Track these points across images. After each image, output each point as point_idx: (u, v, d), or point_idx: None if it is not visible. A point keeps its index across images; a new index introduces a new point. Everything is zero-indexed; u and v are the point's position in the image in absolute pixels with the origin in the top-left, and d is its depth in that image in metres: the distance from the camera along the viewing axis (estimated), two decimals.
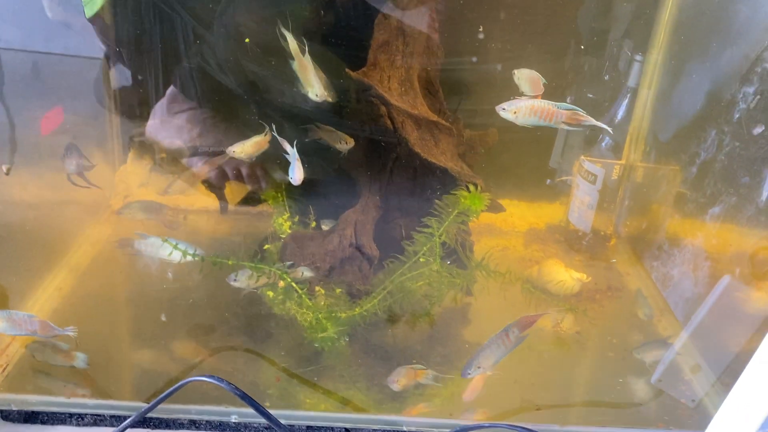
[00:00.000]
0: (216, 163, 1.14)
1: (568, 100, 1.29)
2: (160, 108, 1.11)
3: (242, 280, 0.83)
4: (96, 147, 1.25)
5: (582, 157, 1.25)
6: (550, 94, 1.15)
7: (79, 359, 0.86)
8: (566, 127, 0.80)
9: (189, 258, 0.86)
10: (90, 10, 0.96)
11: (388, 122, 0.86)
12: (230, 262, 0.86)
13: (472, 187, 0.86)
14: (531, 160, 1.29)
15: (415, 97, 0.88)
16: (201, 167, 1.14)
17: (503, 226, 1.27)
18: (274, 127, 0.84)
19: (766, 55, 1.05)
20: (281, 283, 0.83)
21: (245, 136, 1.13)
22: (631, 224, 1.26)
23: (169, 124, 1.12)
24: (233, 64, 1.00)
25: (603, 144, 1.28)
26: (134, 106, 1.18)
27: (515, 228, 1.27)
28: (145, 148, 1.17)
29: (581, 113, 0.78)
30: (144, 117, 1.14)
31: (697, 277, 1.13)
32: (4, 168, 0.92)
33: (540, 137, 1.28)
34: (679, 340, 0.93)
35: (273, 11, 0.97)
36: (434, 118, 0.87)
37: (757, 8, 1.08)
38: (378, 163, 0.90)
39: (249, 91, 1.02)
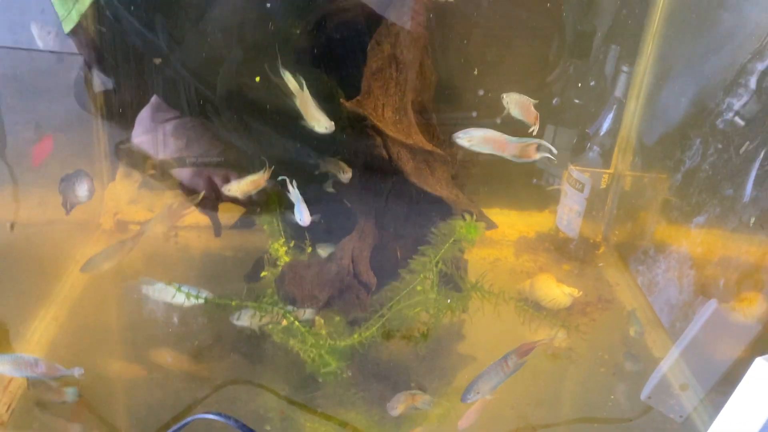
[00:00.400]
0: (205, 174, 1.14)
1: (554, 102, 1.32)
2: (144, 117, 1.09)
3: (245, 319, 0.84)
4: (85, 165, 1.23)
5: (570, 166, 1.27)
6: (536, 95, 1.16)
7: (69, 394, 0.85)
8: (516, 160, 0.80)
9: (194, 301, 0.86)
10: (68, 26, 0.94)
11: (384, 153, 0.86)
12: (233, 303, 0.86)
13: (468, 216, 0.87)
14: (520, 170, 1.30)
15: (409, 126, 0.88)
16: (191, 178, 1.13)
17: (494, 235, 1.28)
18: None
19: (749, 66, 1.07)
20: (284, 322, 0.83)
21: (233, 147, 1.13)
22: (619, 232, 1.29)
23: (154, 134, 1.10)
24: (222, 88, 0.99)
25: (591, 153, 1.29)
26: (120, 119, 1.16)
27: (506, 237, 1.29)
28: (131, 155, 1.15)
29: (534, 142, 0.79)
30: (130, 128, 1.12)
31: (682, 285, 1.16)
32: (9, 224, 0.91)
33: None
34: (667, 359, 0.96)
35: (263, 31, 0.96)
36: (429, 147, 0.88)
37: (742, 18, 1.10)
38: (374, 191, 0.90)
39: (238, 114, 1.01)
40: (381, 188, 0.89)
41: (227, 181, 1.15)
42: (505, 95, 0.84)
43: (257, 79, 0.83)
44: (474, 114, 1.06)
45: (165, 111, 1.09)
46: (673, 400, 0.95)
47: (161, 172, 1.18)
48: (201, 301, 0.86)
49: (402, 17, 0.90)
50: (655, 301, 1.15)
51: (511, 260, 1.23)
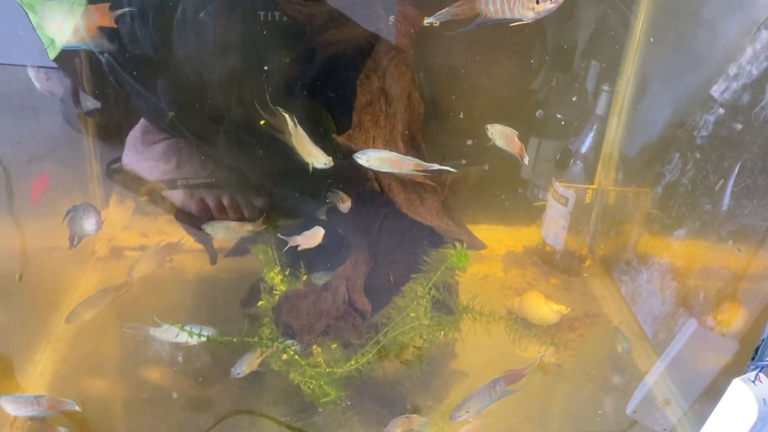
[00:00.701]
0: (197, 196, 1.15)
1: (538, 114, 1.35)
2: (134, 139, 1.11)
3: (245, 368, 0.86)
4: (78, 192, 1.24)
5: (554, 181, 1.30)
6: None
7: None
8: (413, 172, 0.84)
9: (198, 339, 0.88)
10: (52, 53, 0.95)
11: (376, 185, 0.89)
12: (235, 340, 0.89)
13: (458, 245, 0.90)
14: (507, 186, 1.34)
15: None
16: (183, 200, 1.15)
17: (483, 251, 1.31)
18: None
19: (724, 84, 1.11)
20: (284, 356, 0.86)
21: (224, 167, 1.15)
22: (604, 245, 1.32)
23: (145, 156, 1.12)
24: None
25: (575, 168, 1.33)
26: (110, 142, 1.17)
27: (494, 252, 1.33)
28: (123, 175, 1.16)
29: (423, 164, 0.83)
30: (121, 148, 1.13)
31: (665, 297, 1.20)
32: (17, 276, 0.93)
33: (515, 165, 1.33)
34: (651, 375, 1.00)
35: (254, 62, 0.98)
36: (420, 179, 0.90)
37: (716, 36, 1.13)
38: (366, 221, 0.93)
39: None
40: (374, 218, 0.92)
41: (219, 202, 1.17)
42: (489, 126, 0.87)
43: (261, 123, 0.85)
44: (469, 142, 1.09)
45: (154, 133, 1.10)
46: (657, 413, 0.99)
47: (155, 198, 1.19)
48: (204, 339, 0.88)
49: (390, 52, 0.93)
50: (640, 313, 1.19)
51: (500, 275, 1.27)
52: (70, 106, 1.14)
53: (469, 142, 1.12)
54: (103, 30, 0.74)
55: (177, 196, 1.15)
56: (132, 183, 1.15)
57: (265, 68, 0.97)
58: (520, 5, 0.64)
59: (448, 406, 0.99)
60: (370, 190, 0.89)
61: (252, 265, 1.12)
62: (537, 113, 1.36)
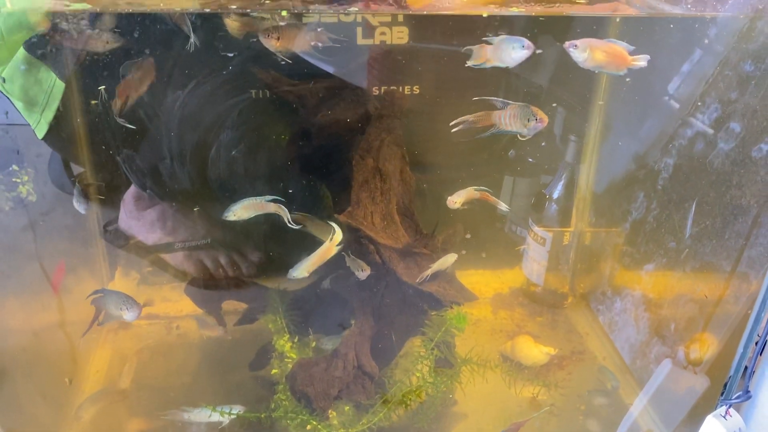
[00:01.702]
0: (195, 257, 1.21)
1: (510, 154, 1.44)
2: (128, 203, 1.16)
3: None
4: (84, 268, 1.29)
5: (532, 223, 1.40)
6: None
7: None
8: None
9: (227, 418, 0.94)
10: (41, 133, 1.01)
11: (377, 258, 0.97)
12: (263, 416, 0.95)
13: (456, 307, 0.99)
14: (492, 236, 1.44)
15: (396, 230, 1.00)
16: (181, 262, 1.20)
17: None
18: None
19: (680, 131, 1.22)
20: (308, 427, 0.93)
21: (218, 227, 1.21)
22: (584, 283, 1.43)
23: (140, 221, 1.16)
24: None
25: (550, 212, 1.43)
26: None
27: (483, 295, 1.42)
28: (119, 237, 1.21)
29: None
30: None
31: (639, 328, 1.31)
32: (67, 380, 0.98)
33: (493, 214, 1.43)
34: (635, 407, 1.09)
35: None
36: (417, 250, 0.99)
37: (671, 86, 1.24)
38: (370, 290, 1.01)
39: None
40: (376, 287, 1.00)
41: (217, 261, 1.23)
42: (450, 198, 0.98)
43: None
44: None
45: (145, 199, 1.15)
46: None
47: (159, 268, 1.25)
48: (234, 416, 0.94)
49: (381, 133, 1.02)
50: (622, 347, 1.30)
51: (490, 318, 1.36)
52: (59, 172, 1.20)
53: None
54: None
55: (174, 259, 1.20)
56: (127, 245, 1.20)
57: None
58: (519, 123, 0.87)
59: None
60: (372, 262, 0.97)
61: (258, 328, 1.19)
62: (509, 153, 1.45)
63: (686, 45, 1.12)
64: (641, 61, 0.85)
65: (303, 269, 0.91)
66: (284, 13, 0.82)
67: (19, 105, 0.96)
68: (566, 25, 1.05)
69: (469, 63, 0.87)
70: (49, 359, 1.17)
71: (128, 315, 0.92)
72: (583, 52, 0.84)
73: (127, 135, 0.98)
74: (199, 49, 0.86)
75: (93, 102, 0.97)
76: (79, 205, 1.04)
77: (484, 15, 0.91)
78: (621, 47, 0.85)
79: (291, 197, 1.00)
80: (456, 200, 0.98)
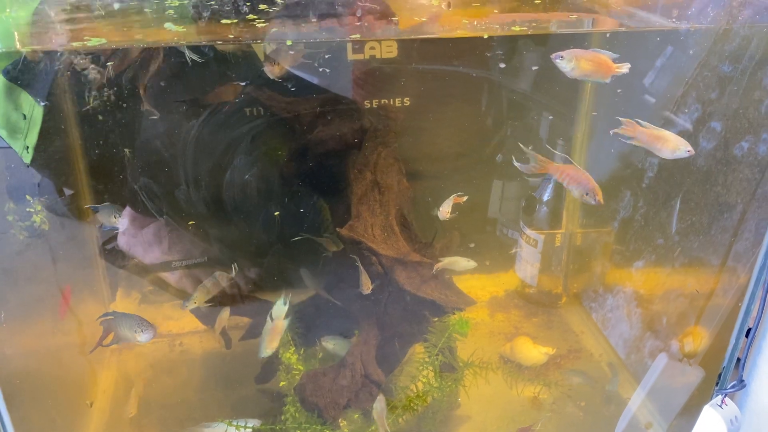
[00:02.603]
0: (193, 275, 1.22)
1: (498, 158, 1.48)
2: (125, 222, 1.17)
3: None
4: (86, 290, 1.30)
5: (524, 226, 1.44)
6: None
7: None
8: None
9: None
10: (27, 159, 1.02)
11: (380, 268, 1.00)
12: (278, 428, 0.97)
13: (457, 313, 1.02)
14: (482, 238, 1.47)
15: (396, 240, 1.02)
16: (179, 281, 1.22)
17: None
18: None
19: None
20: None
21: (215, 245, 1.23)
22: (577, 283, 1.47)
23: (138, 239, 1.18)
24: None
25: (541, 214, 1.47)
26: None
27: (479, 298, 1.45)
28: (117, 256, 1.22)
29: None
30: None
31: (632, 323, 1.35)
32: (89, 403, 0.98)
33: (485, 219, 1.47)
34: (633, 402, 1.13)
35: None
36: (417, 258, 1.02)
37: (653, 87, 1.29)
38: (373, 300, 1.03)
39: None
40: (380, 297, 1.03)
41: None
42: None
43: None
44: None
45: (141, 219, 1.17)
46: None
47: (159, 286, 1.26)
48: (250, 429, 0.96)
49: (377, 147, 1.05)
50: (616, 343, 1.33)
51: (488, 321, 1.39)
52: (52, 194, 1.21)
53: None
54: None
55: (172, 277, 1.21)
56: (124, 262, 1.21)
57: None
58: (576, 190, 0.91)
59: None
60: (374, 273, 1.00)
61: (259, 342, 1.21)
62: (497, 157, 1.49)
63: (665, 47, 1.17)
64: (624, 68, 0.88)
65: (266, 348, 0.97)
66: (289, 42, 0.84)
67: (3, 133, 0.97)
68: (553, 39, 1.08)
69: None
70: (58, 382, 1.18)
71: (143, 337, 0.93)
72: (569, 62, 0.87)
73: (144, 164, 1.00)
74: (213, 79, 0.89)
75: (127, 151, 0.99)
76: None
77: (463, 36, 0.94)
78: (605, 56, 0.88)
79: (297, 216, 1.03)
80: (446, 210, 1.01)
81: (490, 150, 1.45)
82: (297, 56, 0.96)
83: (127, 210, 1.16)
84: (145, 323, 0.94)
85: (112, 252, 1.20)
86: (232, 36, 0.81)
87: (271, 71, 0.85)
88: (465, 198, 1.03)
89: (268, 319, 0.98)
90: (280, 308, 0.99)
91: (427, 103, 1.23)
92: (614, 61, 0.89)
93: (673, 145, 0.88)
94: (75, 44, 0.80)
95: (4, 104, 0.95)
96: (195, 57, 0.87)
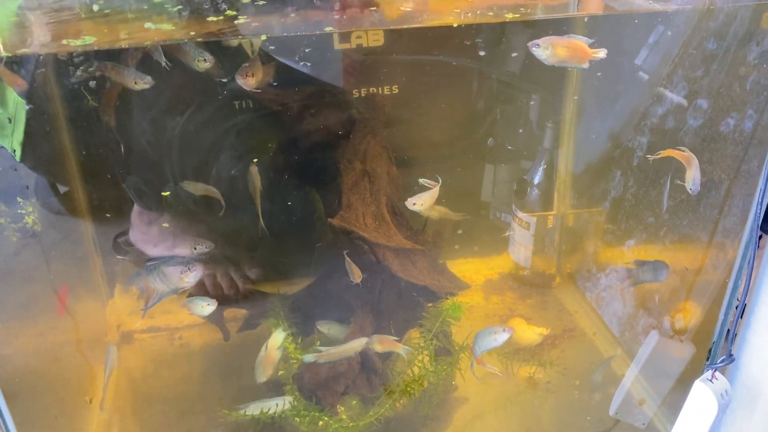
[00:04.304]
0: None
1: (489, 142, 1.48)
2: (134, 217, 1.18)
3: None
4: (83, 288, 1.31)
5: (516, 209, 1.45)
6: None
7: None
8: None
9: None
10: (18, 155, 1.02)
11: (372, 257, 1.01)
12: (276, 415, 0.99)
13: (451, 298, 1.04)
14: (476, 221, 1.48)
15: (388, 228, 1.03)
16: (181, 278, 1.23)
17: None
18: None
19: (651, 110, 1.27)
20: (321, 423, 0.97)
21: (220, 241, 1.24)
22: (570, 263, 1.48)
23: (146, 235, 1.19)
24: None
25: (532, 197, 1.48)
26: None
27: (474, 282, 1.46)
28: (129, 249, 1.22)
29: None
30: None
31: (625, 301, 1.37)
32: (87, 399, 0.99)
33: (478, 203, 1.48)
34: (626, 379, 1.15)
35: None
36: (409, 245, 1.03)
37: (640, 66, 1.29)
38: (367, 288, 1.05)
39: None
40: (373, 285, 1.04)
41: (214, 277, 1.25)
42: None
43: None
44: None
45: (147, 215, 1.18)
46: (636, 410, 1.15)
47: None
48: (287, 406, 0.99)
49: (366, 136, 1.05)
50: (610, 321, 1.35)
51: (483, 304, 1.41)
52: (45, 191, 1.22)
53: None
54: None
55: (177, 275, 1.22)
56: (132, 257, 1.22)
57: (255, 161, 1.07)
58: None
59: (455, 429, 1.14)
60: (367, 261, 1.01)
61: (259, 333, 1.22)
62: (488, 141, 1.50)
63: (650, 26, 1.17)
64: (600, 53, 0.88)
65: (261, 375, 1.01)
66: (263, 37, 0.84)
67: None
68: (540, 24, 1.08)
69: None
70: (58, 379, 1.19)
71: (191, 276, 0.86)
72: (545, 50, 0.87)
73: (132, 161, 1.01)
74: (195, 77, 0.89)
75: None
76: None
77: (454, 25, 0.95)
78: (581, 41, 0.88)
79: (289, 208, 1.04)
80: (415, 202, 0.97)
81: (480, 135, 1.46)
82: (271, 71, 0.95)
83: (135, 207, 1.17)
84: (189, 261, 0.87)
85: (120, 245, 1.21)
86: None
87: (246, 83, 0.86)
88: (438, 184, 0.99)
89: (263, 348, 1.00)
90: (277, 337, 1.01)
91: (415, 90, 1.23)
92: (590, 46, 0.89)
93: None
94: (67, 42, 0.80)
95: None
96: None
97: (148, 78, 0.85)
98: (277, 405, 1.00)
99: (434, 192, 0.99)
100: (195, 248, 1.15)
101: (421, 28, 1.16)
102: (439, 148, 1.38)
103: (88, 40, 0.77)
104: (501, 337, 0.96)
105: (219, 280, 1.21)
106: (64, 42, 0.79)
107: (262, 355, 1.03)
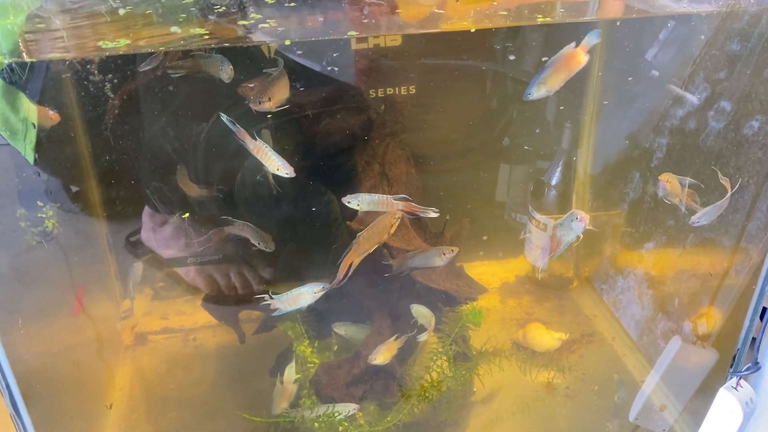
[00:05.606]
0: (207, 272, 1.23)
1: (504, 142, 1.47)
2: (146, 218, 1.17)
3: None
4: (97, 289, 1.31)
5: (533, 211, 1.44)
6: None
7: None
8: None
9: None
10: (30, 158, 1.02)
11: (390, 260, 1.00)
12: (296, 419, 0.98)
13: (471, 303, 1.02)
14: (492, 223, 1.47)
15: (407, 231, 1.02)
16: (193, 278, 1.22)
17: None
18: None
19: (671, 111, 1.25)
20: (340, 429, 0.97)
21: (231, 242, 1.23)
22: (588, 267, 1.46)
23: (158, 236, 1.18)
24: None
25: (549, 198, 1.46)
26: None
27: (490, 285, 1.45)
28: (141, 248, 1.22)
29: (414, 205, 0.91)
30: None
31: (643, 305, 1.35)
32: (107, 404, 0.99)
33: (493, 204, 1.46)
34: (647, 385, 1.13)
35: None
36: (428, 249, 1.01)
37: (660, 68, 1.27)
38: (386, 292, 1.04)
39: None
40: (392, 289, 1.03)
41: (228, 277, 1.25)
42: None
43: None
44: None
45: (159, 215, 1.17)
46: (656, 416, 1.13)
47: (172, 281, 1.27)
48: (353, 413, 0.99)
49: (385, 138, 1.04)
50: (628, 324, 1.33)
51: (500, 307, 1.39)
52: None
53: None
54: None
55: (187, 274, 1.22)
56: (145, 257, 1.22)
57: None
58: None
59: None
60: (385, 264, 1.00)
61: (275, 335, 1.21)
62: (504, 141, 1.48)
63: (671, 27, 1.15)
64: (592, 38, 0.83)
65: (276, 408, 1.02)
66: (287, 41, 0.83)
67: (5, 135, 0.97)
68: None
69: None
70: (75, 380, 1.19)
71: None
72: (539, 90, 0.84)
73: (155, 168, 1.00)
74: (220, 82, 0.88)
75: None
76: None
77: (472, 30, 0.93)
78: (569, 50, 0.83)
79: (306, 210, 1.03)
80: (350, 201, 0.90)
81: (497, 135, 1.44)
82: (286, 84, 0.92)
83: (146, 209, 1.16)
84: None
85: (132, 245, 1.21)
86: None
87: (263, 108, 0.84)
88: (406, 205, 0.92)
89: (278, 382, 1.01)
90: (291, 372, 1.03)
91: (433, 91, 1.22)
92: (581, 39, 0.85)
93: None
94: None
95: (3, 105, 0.95)
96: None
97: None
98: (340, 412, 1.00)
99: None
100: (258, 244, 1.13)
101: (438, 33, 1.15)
102: (455, 148, 1.36)
103: (121, 42, 0.77)
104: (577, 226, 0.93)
105: (233, 279, 1.21)
106: (101, 44, 0.78)
107: (278, 389, 1.04)
